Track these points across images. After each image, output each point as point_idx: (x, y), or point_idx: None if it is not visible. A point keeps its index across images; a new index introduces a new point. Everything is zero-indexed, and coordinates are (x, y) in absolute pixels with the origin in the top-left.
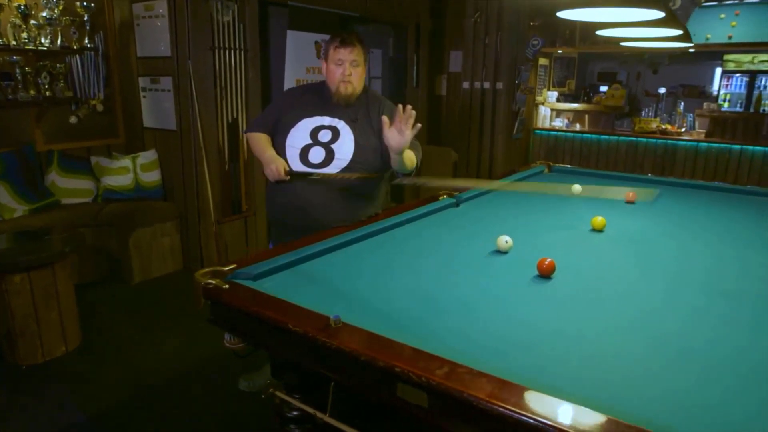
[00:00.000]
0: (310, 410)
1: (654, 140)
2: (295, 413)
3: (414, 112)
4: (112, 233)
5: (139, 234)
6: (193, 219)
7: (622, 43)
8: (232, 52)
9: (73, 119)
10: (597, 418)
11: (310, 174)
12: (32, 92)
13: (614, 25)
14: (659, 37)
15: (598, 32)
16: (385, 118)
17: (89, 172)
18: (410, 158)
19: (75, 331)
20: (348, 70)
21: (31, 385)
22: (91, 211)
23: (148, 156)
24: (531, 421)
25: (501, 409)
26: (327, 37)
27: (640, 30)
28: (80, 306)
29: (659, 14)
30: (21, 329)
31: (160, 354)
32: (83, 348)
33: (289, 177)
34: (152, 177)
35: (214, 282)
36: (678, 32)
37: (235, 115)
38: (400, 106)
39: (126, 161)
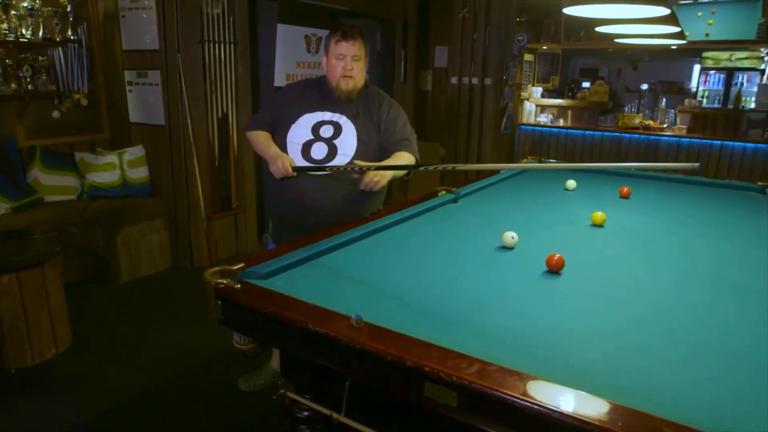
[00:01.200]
0: (326, 411)
1: (637, 136)
2: (305, 413)
3: (373, 182)
4: (98, 231)
5: (127, 232)
6: (183, 216)
7: (617, 40)
8: (222, 45)
9: (56, 114)
10: (633, 414)
11: (317, 168)
12: (13, 86)
13: (616, 21)
14: (657, 34)
15: (598, 29)
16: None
17: (73, 168)
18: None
19: (65, 332)
20: (349, 64)
21: (21, 388)
22: (77, 208)
23: (135, 152)
24: (567, 419)
25: (536, 406)
26: (317, 31)
27: (640, 27)
28: (68, 307)
29: (665, 11)
30: (10, 331)
31: (153, 355)
32: (74, 349)
33: (296, 174)
34: (140, 173)
35: (225, 282)
36: (676, 29)
37: (225, 110)
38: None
39: (112, 157)
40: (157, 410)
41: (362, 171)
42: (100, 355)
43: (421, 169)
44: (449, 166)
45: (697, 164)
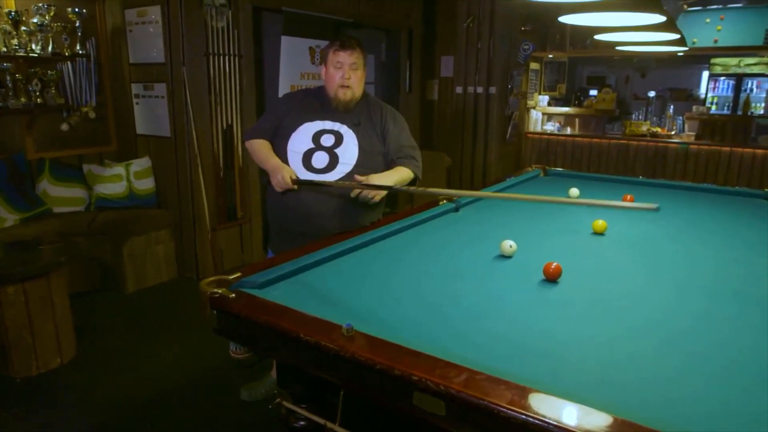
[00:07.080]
0: (320, 420)
1: (645, 143)
2: (301, 423)
3: (370, 197)
4: (105, 242)
5: (133, 242)
6: (188, 227)
7: (618, 47)
8: (227, 58)
9: (64, 126)
10: (625, 426)
11: (318, 182)
12: (23, 99)
13: (613, 29)
14: (657, 41)
15: (596, 36)
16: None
17: (81, 180)
18: (401, 180)
19: (70, 342)
20: (347, 73)
21: (26, 398)
22: (84, 219)
23: (141, 163)
24: (555, 429)
25: (523, 416)
26: (322, 42)
27: (638, 34)
28: (73, 317)
29: (660, 18)
30: (15, 341)
31: (158, 365)
32: (78, 360)
33: (297, 186)
34: (146, 184)
35: (220, 291)
36: (676, 36)
37: (229, 122)
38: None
39: (119, 169)
40: (160, 420)
41: (363, 188)
42: (104, 365)
43: (404, 189)
44: (430, 190)
45: (656, 205)
